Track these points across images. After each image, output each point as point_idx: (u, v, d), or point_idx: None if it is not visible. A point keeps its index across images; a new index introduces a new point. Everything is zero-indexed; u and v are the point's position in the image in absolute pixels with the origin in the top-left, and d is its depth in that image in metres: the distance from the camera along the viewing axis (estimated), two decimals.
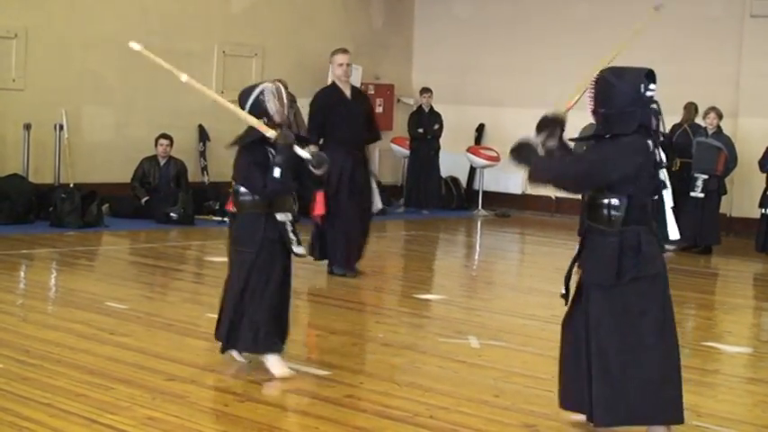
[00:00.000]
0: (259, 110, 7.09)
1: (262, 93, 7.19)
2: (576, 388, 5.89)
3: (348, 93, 11.42)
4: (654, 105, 5.90)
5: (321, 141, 10.97)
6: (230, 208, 7.26)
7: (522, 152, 6.21)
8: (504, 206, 18.61)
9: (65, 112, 15.37)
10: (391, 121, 19.48)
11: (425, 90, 18.38)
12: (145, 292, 10.19)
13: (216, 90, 17.27)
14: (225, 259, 10.68)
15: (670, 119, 14.93)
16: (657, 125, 5.90)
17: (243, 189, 7.06)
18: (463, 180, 19.17)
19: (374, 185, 11.46)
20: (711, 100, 15.15)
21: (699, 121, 15.05)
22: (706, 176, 14.30)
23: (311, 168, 6.99)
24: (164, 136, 15.62)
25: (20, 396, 6.30)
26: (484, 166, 18.53)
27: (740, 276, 13.34)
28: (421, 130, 18.10)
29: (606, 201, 5.80)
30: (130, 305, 9.17)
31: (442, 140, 18.43)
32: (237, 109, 7.18)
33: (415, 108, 18.70)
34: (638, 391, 5.66)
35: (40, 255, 12.09)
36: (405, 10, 20.27)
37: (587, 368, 5.77)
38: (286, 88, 16.57)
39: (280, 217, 7.05)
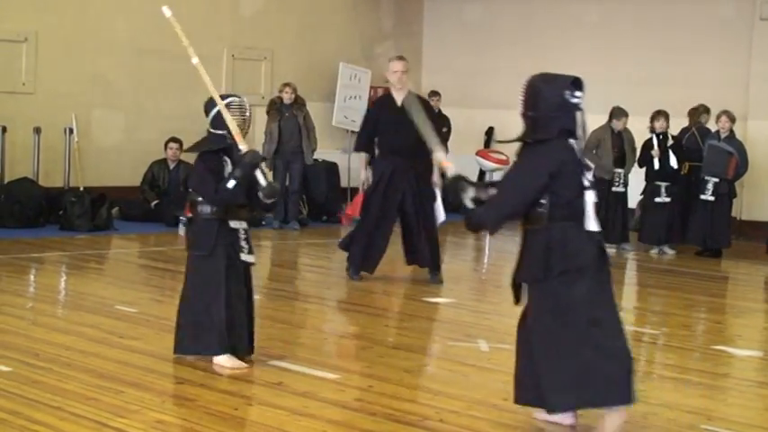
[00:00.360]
0: (221, 121, 7.28)
1: (227, 105, 7.34)
2: (530, 383, 6.04)
3: (400, 100, 10.98)
4: (578, 112, 6.18)
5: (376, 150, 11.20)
6: (188, 213, 7.45)
7: (456, 189, 6.29)
8: None
9: (75, 115, 15.40)
10: None
11: (434, 93, 18.36)
12: (154, 295, 10.20)
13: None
14: None
15: (679, 121, 15.02)
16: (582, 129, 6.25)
17: (201, 200, 7.28)
18: None
19: (440, 197, 11.16)
20: (721, 103, 15.13)
21: (711, 124, 15.00)
22: (717, 180, 14.27)
23: (260, 195, 7.25)
24: (173, 140, 15.63)
25: (30, 399, 6.31)
26: (493, 170, 18.51)
27: (751, 280, 13.31)
28: None
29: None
30: (140, 308, 9.18)
31: (450, 143, 18.40)
32: (226, 112, 7.32)
33: None
34: (582, 376, 5.85)
35: (50, 258, 12.11)
36: (414, 13, 20.28)
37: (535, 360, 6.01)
38: (295, 92, 16.61)
39: (233, 224, 7.30)
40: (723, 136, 14.40)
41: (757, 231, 16.23)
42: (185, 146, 15.71)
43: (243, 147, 7.20)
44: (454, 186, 6.29)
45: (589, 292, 5.87)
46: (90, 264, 12.09)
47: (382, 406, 6.48)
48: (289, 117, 15.36)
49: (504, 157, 18.29)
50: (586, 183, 6.04)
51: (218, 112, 7.28)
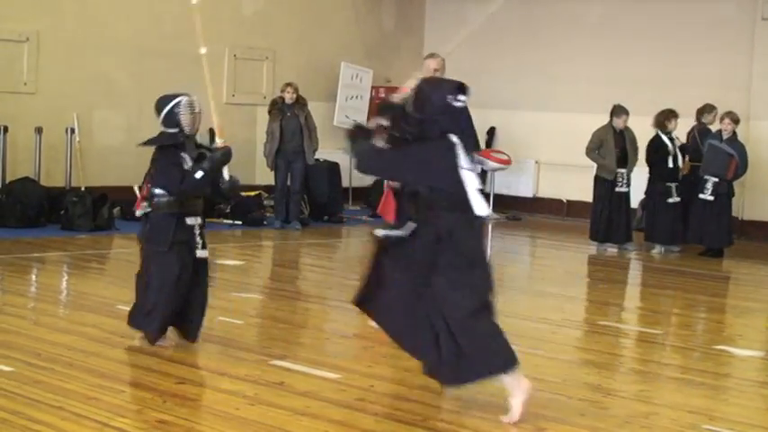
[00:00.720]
0: (172, 119, 7.58)
1: (177, 105, 7.62)
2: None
3: None
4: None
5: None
6: (139, 208, 7.89)
7: (356, 139, 6.63)
8: (515, 209, 18.60)
9: (76, 115, 15.40)
10: None
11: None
12: None
13: (227, 93, 17.36)
14: (236, 262, 10.69)
15: (682, 121, 15.00)
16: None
17: (158, 191, 7.60)
18: None
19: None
20: (723, 103, 15.13)
21: (716, 124, 14.92)
22: (716, 180, 14.27)
23: (223, 189, 7.67)
24: None
25: (31, 399, 6.31)
26: (495, 170, 18.47)
27: (752, 280, 13.31)
28: None
29: (415, 191, 6.41)
30: None
31: None
32: (213, 109, 7.78)
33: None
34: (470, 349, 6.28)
35: (52, 258, 12.11)
36: (416, 13, 20.28)
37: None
38: (296, 91, 16.59)
39: (189, 221, 7.59)
40: (725, 137, 14.38)
41: (759, 231, 16.24)
42: None
43: (219, 141, 7.65)
44: (393, 110, 6.83)
45: (448, 268, 6.31)
46: (91, 264, 12.08)
47: (383, 406, 6.48)
48: (290, 117, 15.36)
49: (505, 157, 18.27)
50: (466, 176, 6.38)
51: (170, 111, 7.58)
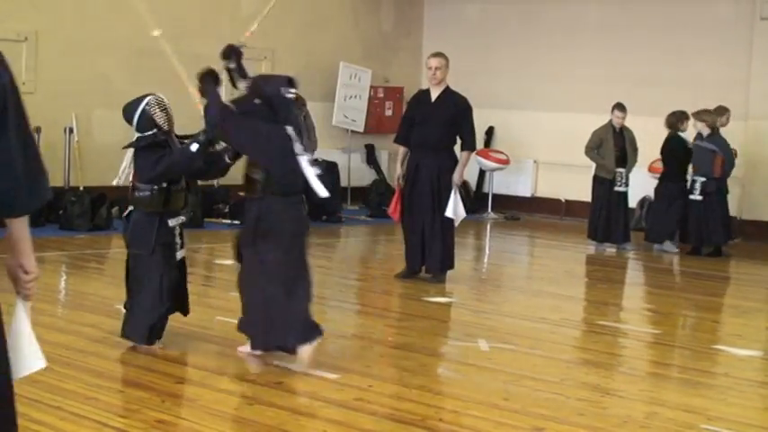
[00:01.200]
0: (147, 121, 7.64)
1: (147, 104, 7.73)
2: None
3: (434, 95, 11.20)
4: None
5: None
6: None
7: (206, 83, 7.90)
8: (513, 209, 18.62)
9: (75, 115, 15.40)
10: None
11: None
12: None
13: (226, 93, 17.34)
14: (234, 261, 10.64)
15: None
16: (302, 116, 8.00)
17: (142, 185, 7.53)
18: (473, 183, 19.16)
19: (454, 194, 11.15)
20: (722, 102, 15.13)
21: (691, 128, 14.88)
22: (704, 179, 14.30)
23: (225, 155, 7.73)
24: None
25: (30, 399, 6.30)
26: (493, 169, 18.53)
27: (751, 279, 13.31)
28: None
29: (253, 174, 7.32)
30: None
31: None
32: (192, 87, 8.12)
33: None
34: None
35: (50, 258, 12.10)
36: (414, 13, 20.29)
37: None
38: (296, 88, 16.58)
39: (171, 222, 7.60)
40: (705, 134, 14.41)
41: (759, 231, 16.25)
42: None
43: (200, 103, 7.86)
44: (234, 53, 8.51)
45: (280, 249, 7.22)
46: (90, 263, 12.09)
47: (382, 405, 6.48)
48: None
49: (504, 157, 18.32)
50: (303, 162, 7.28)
51: (141, 113, 7.70)
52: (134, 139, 7.68)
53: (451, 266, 11.27)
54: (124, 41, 16.13)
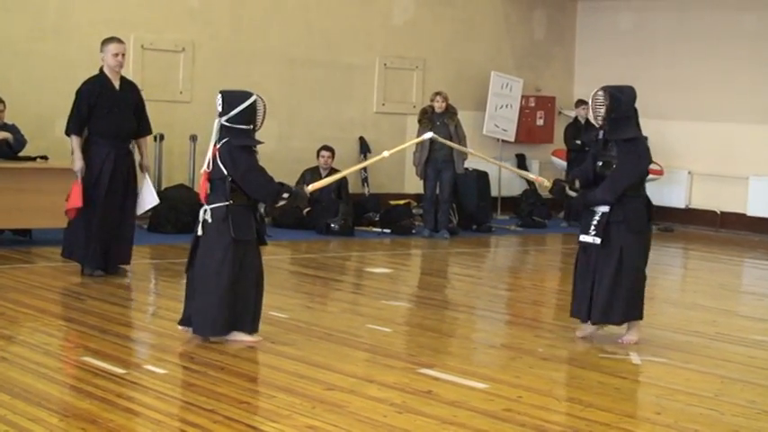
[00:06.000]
0: (250, 116, 8.29)
1: (255, 102, 8.27)
2: None
3: (117, 83, 10.95)
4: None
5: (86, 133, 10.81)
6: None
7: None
8: (667, 220, 18.29)
9: None
10: (552, 134, 19.33)
11: (581, 102, 18.14)
12: (305, 301, 10.30)
13: (377, 102, 17.49)
14: (384, 270, 10.73)
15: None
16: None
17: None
18: None
19: (147, 181, 10.99)
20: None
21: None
22: None
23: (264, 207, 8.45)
24: (325, 148, 15.79)
25: (184, 402, 6.43)
26: (647, 180, 18.23)
27: None
28: (578, 142, 17.73)
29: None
30: (291, 314, 9.29)
31: None
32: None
33: (571, 120, 18.42)
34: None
35: None
36: (567, 22, 20.12)
37: None
38: (446, 100, 16.59)
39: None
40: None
41: None
42: (337, 154, 15.91)
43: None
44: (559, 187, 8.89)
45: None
46: None
47: (531, 417, 6.43)
48: (440, 126, 15.34)
49: (658, 168, 18.02)
50: None
51: (248, 107, 8.32)
52: (216, 125, 8.35)
53: None
54: (277, 51, 16.39)
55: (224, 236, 7.89)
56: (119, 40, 10.96)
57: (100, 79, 10.90)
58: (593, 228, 8.46)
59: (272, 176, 8.14)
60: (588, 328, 8.73)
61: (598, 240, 8.40)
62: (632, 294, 8.49)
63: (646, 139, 9.46)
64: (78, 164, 10.74)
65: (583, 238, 8.52)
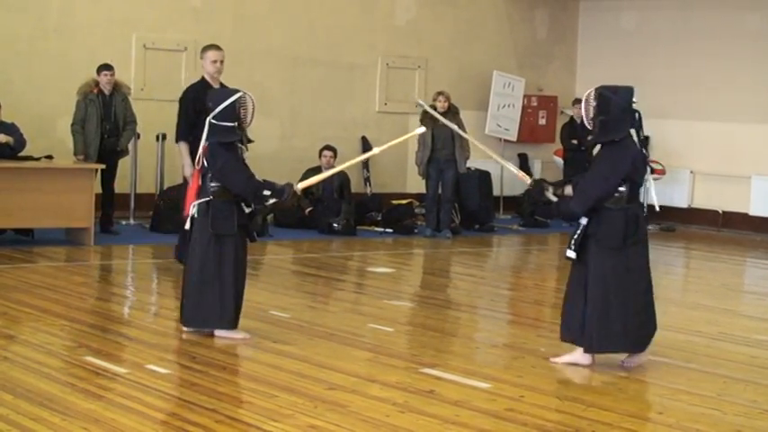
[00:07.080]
0: (233, 113, 8.22)
1: (240, 99, 8.21)
2: None
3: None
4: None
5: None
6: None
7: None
8: (669, 220, 18.28)
9: None
10: (554, 134, 19.31)
11: (578, 101, 18.11)
12: (307, 301, 10.30)
13: (379, 102, 17.48)
14: (387, 270, 10.75)
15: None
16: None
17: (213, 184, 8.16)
18: None
19: None
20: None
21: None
22: None
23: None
24: (327, 147, 15.78)
25: (186, 401, 6.43)
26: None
27: None
28: (575, 142, 17.65)
29: None
30: (293, 314, 9.29)
31: None
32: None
33: (567, 119, 18.39)
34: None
35: None
36: (569, 22, 20.11)
37: None
38: (448, 100, 16.61)
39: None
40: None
41: None
42: (339, 154, 15.91)
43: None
44: (537, 195, 8.07)
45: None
46: (247, 270, 12.23)
47: (534, 416, 6.43)
48: (442, 125, 15.35)
49: (659, 167, 18.02)
50: None
51: (231, 105, 8.18)
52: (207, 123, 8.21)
53: None
54: (279, 51, 16.39)
55: (206, 231, 8.06)
56: (217, 48, 11.14)
57: (202, 85, 11.08)
58: (572, 241, 7.64)
59: (254, 173, 8.34)
60: (636, 358, 7.77)
61: (574, 255, 7.62)
62: (601, 320, 7.57)
63: (647, 139, 9.23)
64: (188, 170, 10.81)
65: (567, 252, 7.71)
